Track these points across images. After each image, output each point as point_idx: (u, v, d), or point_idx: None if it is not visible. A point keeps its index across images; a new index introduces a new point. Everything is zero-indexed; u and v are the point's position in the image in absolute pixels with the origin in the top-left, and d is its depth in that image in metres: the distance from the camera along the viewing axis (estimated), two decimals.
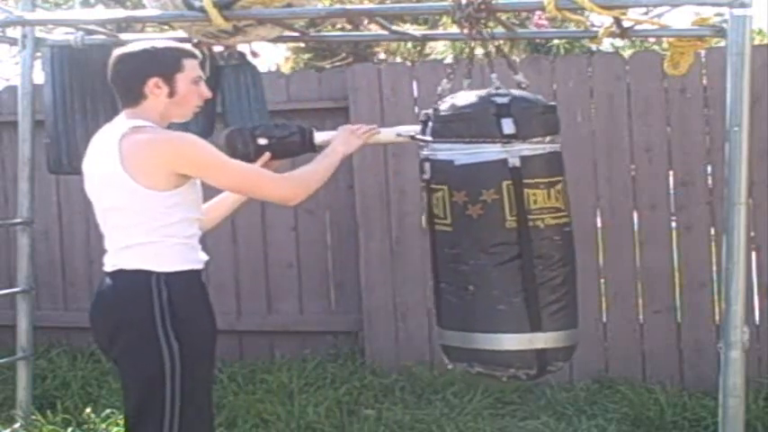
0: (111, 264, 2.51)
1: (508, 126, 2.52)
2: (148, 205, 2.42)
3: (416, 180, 4.28)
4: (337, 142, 2.72)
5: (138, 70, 2.48)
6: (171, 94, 2.49)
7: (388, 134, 2.91)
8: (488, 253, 2.56)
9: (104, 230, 2.57)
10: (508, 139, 2.52)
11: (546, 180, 2.54)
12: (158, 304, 2.39)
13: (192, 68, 2.53)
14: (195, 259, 2.55)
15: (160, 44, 2.59)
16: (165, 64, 2.49)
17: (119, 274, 2.47)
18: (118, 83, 2.52)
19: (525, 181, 2.52)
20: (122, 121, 2.48)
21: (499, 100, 2.57)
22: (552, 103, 2.69)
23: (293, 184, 2.60)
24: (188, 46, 2.68)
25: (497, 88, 2.62)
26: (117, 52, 2.54)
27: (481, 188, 2.54)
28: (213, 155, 2.49)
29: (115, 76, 2.52)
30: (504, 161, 2.51)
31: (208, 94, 2.60)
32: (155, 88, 2.47)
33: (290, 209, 5.01)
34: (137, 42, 2.62)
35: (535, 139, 2.54)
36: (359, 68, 5.09)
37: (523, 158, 2.52)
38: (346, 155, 2.74)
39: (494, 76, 2.65)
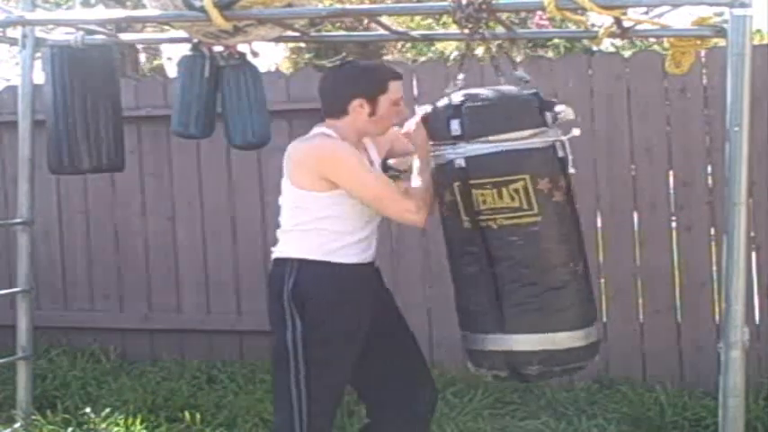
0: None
1: (455, 127, 2.55)
2: (298, 200, 2.72)
3: None
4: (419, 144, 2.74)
5: (345, 89, 2.71)
6: (372, 113, 2.70)
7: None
8: (458, 253, 2.61)
9: None
10: (454, 140, 2.55)
11: (494, 180, 2.50)
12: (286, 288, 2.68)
13: (395, 90, 2.72)
14: (339, 253, 2.69)
15: (371, 66, 2.85)
16: (371, 86, 2.69)
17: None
18: (325, 96, 2.77)
19: (471, 182, 2.52)
20: (315, 129, 2.76)
21: (454, 101, 2.60)
22: (524, 98, 2.62)
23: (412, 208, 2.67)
24: (395, 68, 2.88)
25: (461, 88, 2.64)
26: (330, 69, 2.81)
27: (442, 190, 2.61)
28: (353, 165, 2.64)
29: (322, 89, 2.78)
30: (452, 162, 2.54)
31: (405, 113, 2.77)
32: (358, 107, 2.69)
33: None
34: (352, 62, 2.87)
35: (481, 139, 2.52)
36: None
37: (468, 159, 2.52)
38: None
39: (461, 76, 2.67)
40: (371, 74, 2.75)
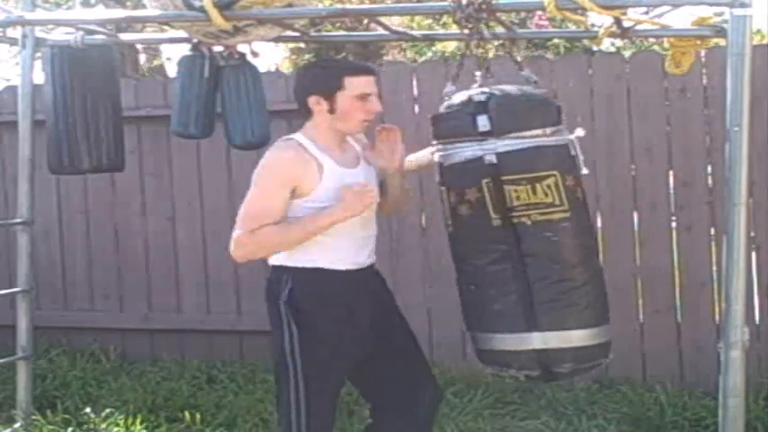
0: None
1: (483, 123, 2.53)
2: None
3: (416, 180, 4.30)
4: (340, 205, 2.64)
5: (302, 88, 2.73)
6: (331, 110, 2.68)
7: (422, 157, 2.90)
8: (481, 252, 2.56)
9: None
10: (483, 136, 2.53)
11: (528, 176, 2.50)
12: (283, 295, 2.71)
13: (355, 86, 2.66)
14: (325, 260, 2.69)
15: (327, 62, 2.87)
16: (324, 83, 2.68)
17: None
18: (294, 98, 2.78)
19: (504, 177, 2.50)
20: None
21: (477, 98, 2.58)
22: (543, 97, 2.66)
23: (241, 243, 2.66)
24: (359, 62, 2.88)
25: (480, 86, 2.63)
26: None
27: (464, 188, 2.56)
28: (263, 183, 2.67)
29: (294, 91, 2.79)
30: (481, 159, 2.51)
31: (377, 108, 2.71)
32: (316, 105, 2.69)
33: None
34: (312, 62, 2.90)
35: (512, 135, 2.52)
36: None
37: (500, 155, 2.50)
38: (344, 218, 2.65)
39: (478, 73, 2.66)
40: (324, 71, 2.74)
